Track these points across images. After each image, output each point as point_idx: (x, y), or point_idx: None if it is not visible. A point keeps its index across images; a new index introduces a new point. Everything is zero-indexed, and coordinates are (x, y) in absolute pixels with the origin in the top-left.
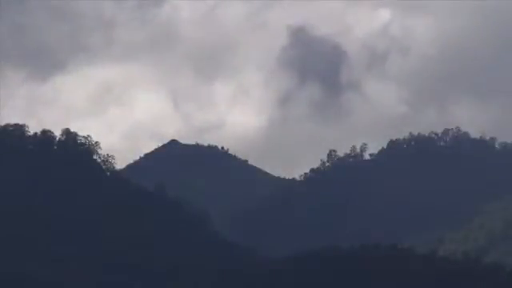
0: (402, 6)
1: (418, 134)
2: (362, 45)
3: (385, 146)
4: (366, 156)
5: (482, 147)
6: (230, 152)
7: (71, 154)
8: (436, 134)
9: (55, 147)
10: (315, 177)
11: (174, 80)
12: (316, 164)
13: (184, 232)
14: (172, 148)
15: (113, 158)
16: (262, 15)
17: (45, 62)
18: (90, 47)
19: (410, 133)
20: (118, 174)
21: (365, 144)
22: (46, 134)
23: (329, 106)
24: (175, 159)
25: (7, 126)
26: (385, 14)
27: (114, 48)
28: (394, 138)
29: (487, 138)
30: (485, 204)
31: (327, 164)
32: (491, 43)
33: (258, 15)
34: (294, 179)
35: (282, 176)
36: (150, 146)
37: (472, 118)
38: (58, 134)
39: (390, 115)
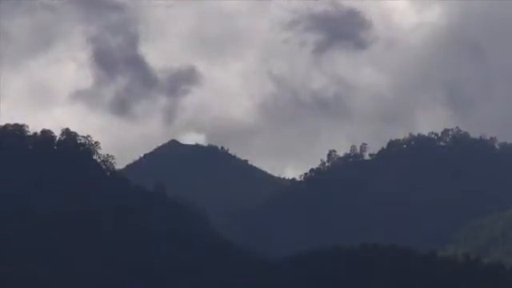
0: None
1: (418, 134)
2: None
3: (385, 146)
4: (366, 156)
5: (482, 147)
6: (230, 152)
7: (71, 153)
8: (436, 134)
9: (55, 147)
10: (315, 177)
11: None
12: (316, 164)
13: (184, 232)
14: (172, 148)
15: (113, 158)
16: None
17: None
18: None
19: (410, 133)
20: (117, 174)
21: (365, 144)
22: (46, 134)
23: (331, 106)
24: (175, 159)
25: (7, 125)
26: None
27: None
28: (393, 138)
29: (487, 138)
30: (485, 204)
31: (327, 164)
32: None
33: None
34: (294, 179)
35: (282, 176)
36: (150, 146)
37: (474, 118)
38: (58, 133)
39: (390, 112)
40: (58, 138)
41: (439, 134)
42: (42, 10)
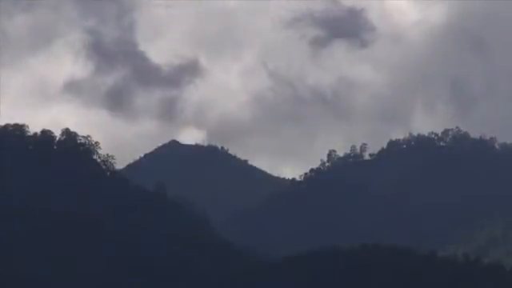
0: None
1: (418, 134)
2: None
3: (385, 146)
4: (366, 156)
5: (482, 147)
6: (229, 152)
7: (71, 154)
8: (436, 134)
9: (55, 147)
10: (315, 177)
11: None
12: (316, 164)
13: (184, 232)
14: (172, 148)
15: (113, 158)
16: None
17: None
18: None
19: (410, 133)
20: (117, 174)
21: (365, 144)
22: (46, 134)
23: (331, 105)
24: (175, 159)
25: (7, 125)
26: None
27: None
28: (393, 138)
29: (487, 138)
30: (485, 204)
31: (327, 164)
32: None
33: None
34: (294, 179)
35: (282, 176)
36: (150, 146)
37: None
38: (58, 133)
39: (390, 111)
40: (57, 138)
41: (439, 134)
42: (41, 8)
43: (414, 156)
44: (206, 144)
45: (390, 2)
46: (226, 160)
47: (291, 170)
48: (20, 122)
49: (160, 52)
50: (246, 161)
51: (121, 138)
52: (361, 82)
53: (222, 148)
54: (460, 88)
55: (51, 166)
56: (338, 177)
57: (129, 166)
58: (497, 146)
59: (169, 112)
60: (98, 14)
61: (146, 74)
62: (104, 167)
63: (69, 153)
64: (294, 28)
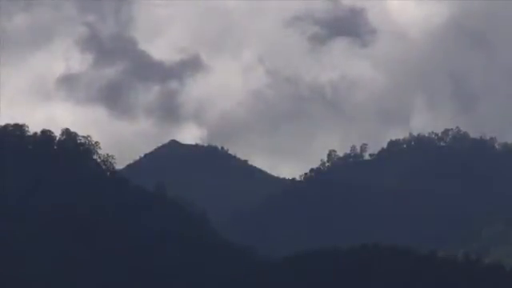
0: None
1: (418, 134)
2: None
3: (385, 146)
4: (366, 156)
5: (482, 147)
6: (229, 152)
7: (71, 154)
8: (436, 134)
9: (55, 147)
10: (315, 177)
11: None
12: (316, 164)
13: (184, 232)
14: (172, 148)
15: (113, 158)
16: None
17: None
18: None
19: (410, 133)
20: (117, 174)
21: (365, 144)
22: (46, 134)
23: (331, 105)
24: (175, 159)
25: (7, 125)
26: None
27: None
28: (393, 138)
29: (487, 138)
30: (485, 204)
31: (327, 164)
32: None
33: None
34: (294, 179)
35: (282, 176)
36: (150, 146)
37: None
38: (58, 133)
39: (390, 111)
40: (57, 138)
41: (439, 134)
42: (41, 7)
43: (414, 156)
44: (205, 144)
45: (391, 2)
46: (226, 160)
47: (291, 169)
48: (19, 120)
49: (159, 50)
50: (246, 161)
51: (120, 138)
52: (361, 82)
53: (222, 148)
54: (460, 88)
55: (51, 166)
56: (338, 177)
57: (129, 166)
58: (497, 146)
59: (168, 110)
60: (97, 12)
61: (145, 71)
62: (104, 167)
63: (69, 153)
64: (294, 27)
